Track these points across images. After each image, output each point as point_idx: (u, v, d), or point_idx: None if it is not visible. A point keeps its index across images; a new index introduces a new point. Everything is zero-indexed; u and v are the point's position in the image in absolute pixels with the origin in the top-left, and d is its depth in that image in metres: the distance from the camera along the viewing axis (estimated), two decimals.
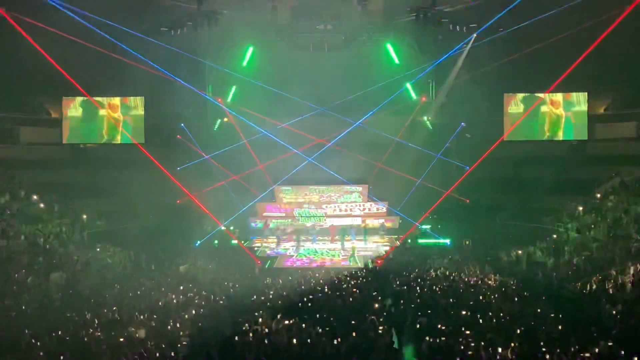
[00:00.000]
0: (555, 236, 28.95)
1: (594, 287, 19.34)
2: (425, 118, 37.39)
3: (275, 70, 33.07)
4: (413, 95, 36.52)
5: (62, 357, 12.17)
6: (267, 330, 14.16)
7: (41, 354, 12.34)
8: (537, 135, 36.00)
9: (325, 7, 30.71)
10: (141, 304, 17.53)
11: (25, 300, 19.01)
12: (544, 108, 35.54)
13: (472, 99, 34.59)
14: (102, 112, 36.80)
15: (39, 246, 25.18)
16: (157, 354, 12.29)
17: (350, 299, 17.97)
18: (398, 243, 34.36)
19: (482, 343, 12.53)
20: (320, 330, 13.80)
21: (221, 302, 18.66)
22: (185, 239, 32.72)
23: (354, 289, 19.53)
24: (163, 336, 13.56)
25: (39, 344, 12.92)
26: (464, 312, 15.36)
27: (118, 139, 37.16)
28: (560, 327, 13.90)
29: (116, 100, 36.60)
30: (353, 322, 14.52)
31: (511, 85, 35.33)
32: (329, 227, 37.03)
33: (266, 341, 13.26)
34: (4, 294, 19.40)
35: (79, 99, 36.56)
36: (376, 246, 34.29)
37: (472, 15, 30.18)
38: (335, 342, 13.10)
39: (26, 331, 13.91)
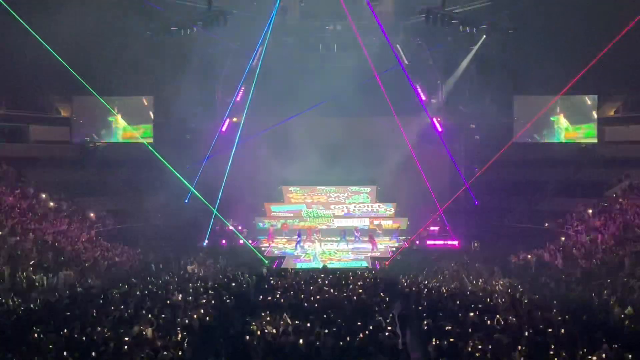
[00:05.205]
0: (564, 239, 28.86)
1: (603, 290, 19.24)
2: (435, 119, 37.21)
3: (284, 70, 32.98)
4: (422, 96, 36.32)
5: (69, 355, 12.17)
6: (274, 330, 14.16)
7: (49, 351, 12.35)
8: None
9: (335, 7, 30.59)
10: (149, 302, 17.51)
11: (34, 298, 19.09)
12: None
13: (482, 101, 34.53)
14: (111, 111, 37.01)
15: (47, 244, 25.30)
16: (165, 353, 12.29)
17: (357, 300, 17.97)
18: (406, 244, 34.25)
19: (490, 345, 12.50)
20: (327, 331, 13.80)
21: (229, 301, 18.66)
22: (193, 238, 32.74)
23: (360, 290, 19.49)
24: (171, 335, 13.54)
25: (47, 341, 12.94)
26: (471, 315, 15.31)
27: (127, 138, 37.28)
28: (568, 331, 13.82)
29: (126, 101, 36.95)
30: (359, 323, 14.50)
31: (521, 87, 35.19)
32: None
33: (273, 341, 13.27)
34: (13, 292, 19.49)
35: (89, 98, 36.70)
36: (385, 247, 34.19)
37: (482, 16, 30.06)
38: (341, 343, 13.09)
39: (34, 328, 13.92)
